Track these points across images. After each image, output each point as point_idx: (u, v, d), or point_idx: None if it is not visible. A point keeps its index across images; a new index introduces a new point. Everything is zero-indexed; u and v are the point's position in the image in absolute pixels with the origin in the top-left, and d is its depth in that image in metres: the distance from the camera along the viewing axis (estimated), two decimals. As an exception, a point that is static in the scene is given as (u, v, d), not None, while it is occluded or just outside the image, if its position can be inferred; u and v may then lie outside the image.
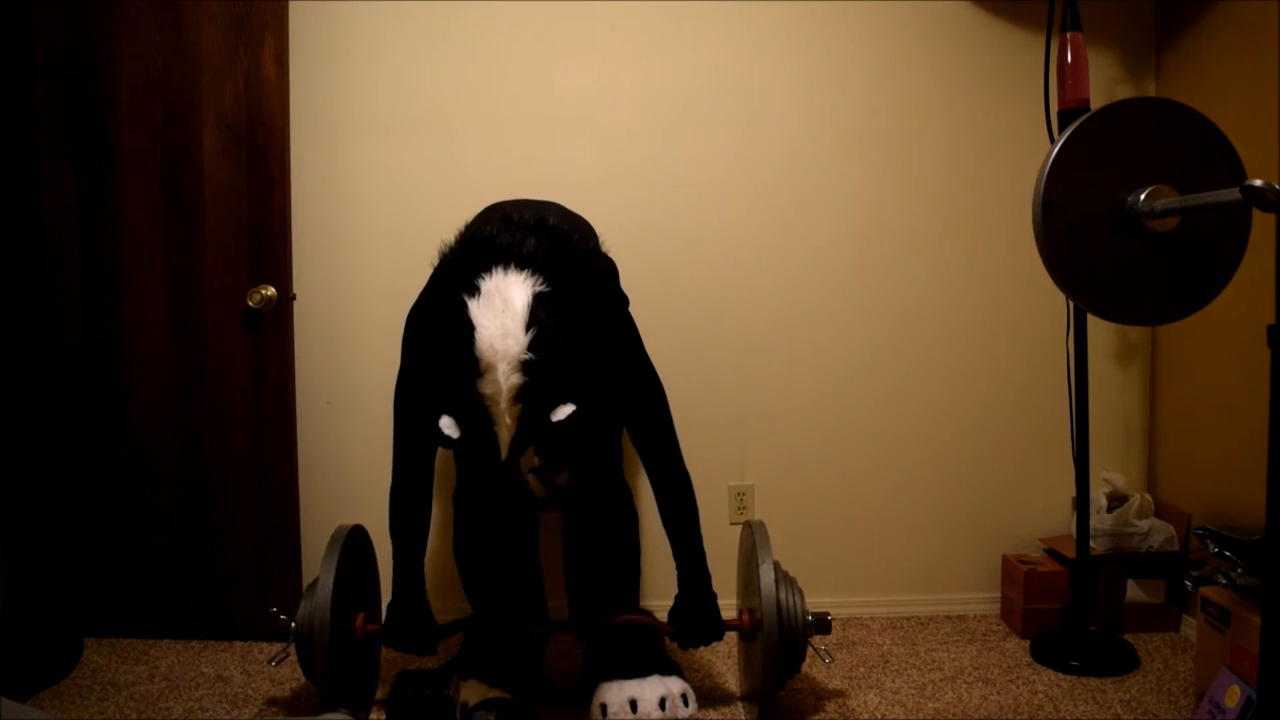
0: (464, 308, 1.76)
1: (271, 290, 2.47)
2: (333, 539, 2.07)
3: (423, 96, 2.67)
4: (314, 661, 1.96)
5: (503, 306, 1.73)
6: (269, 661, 2.24)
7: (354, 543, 2.13)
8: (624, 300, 2.07)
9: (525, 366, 1.70)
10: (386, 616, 2.06)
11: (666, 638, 2.13)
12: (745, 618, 2.09)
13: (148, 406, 2.54)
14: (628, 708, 1.99)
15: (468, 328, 1.73)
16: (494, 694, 2.03)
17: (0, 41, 2.44)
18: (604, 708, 2.01)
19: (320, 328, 2.68)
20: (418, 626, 2.05)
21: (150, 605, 2.56)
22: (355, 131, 2.65)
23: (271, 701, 2.19)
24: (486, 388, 1.72)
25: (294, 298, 2.54)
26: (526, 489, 2.41)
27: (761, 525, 2.11)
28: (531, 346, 1.71)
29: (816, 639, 2.07)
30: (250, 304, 2.46)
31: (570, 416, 1.72)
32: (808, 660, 2.12)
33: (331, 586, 1.96)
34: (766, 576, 1.98)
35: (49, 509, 2.53)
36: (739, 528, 2.32)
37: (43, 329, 2.52)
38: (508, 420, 1.73)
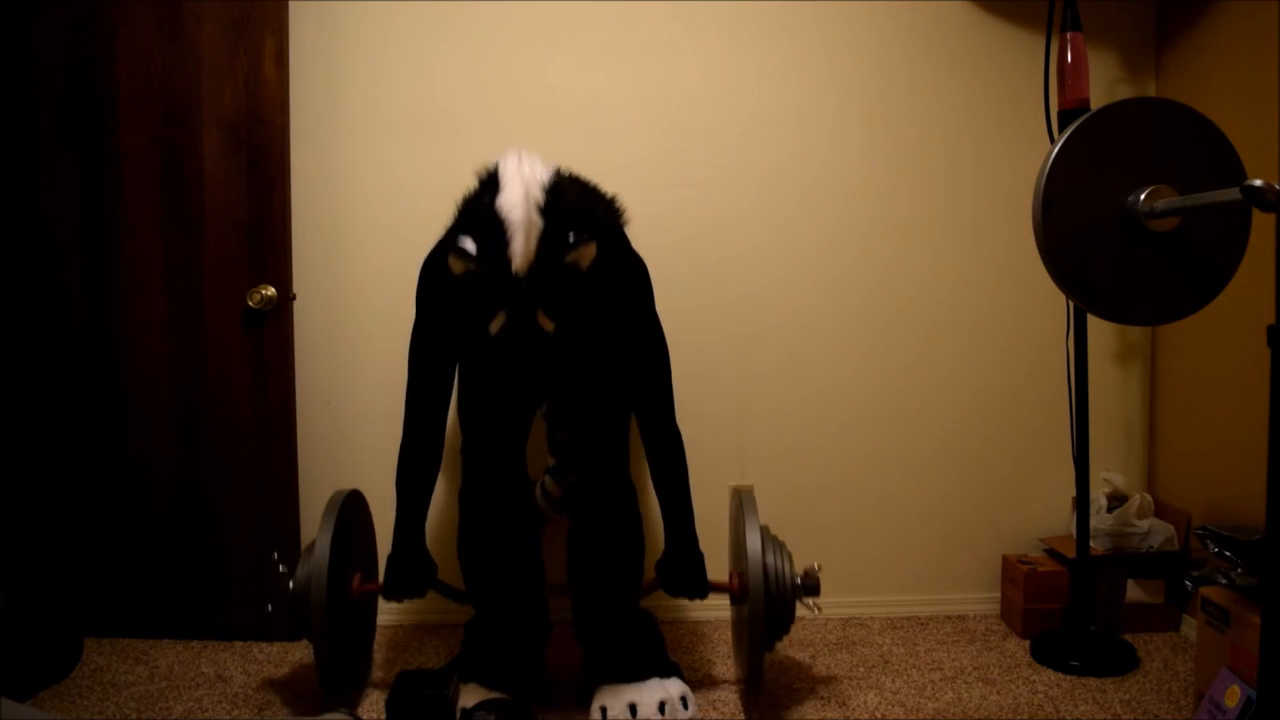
0: (492, 180, 1.86)
1: (271, 290, 2.47)
2: (330, 502, 2.11)
3: (423, 96, 2.66)
4: (310, 620, 1.99)
5: (526, 170, 1.85)
6: (267, 608, 2.24)
7: (351, 506, 2.15)
8: (643, 267, 2.11)
9: (545, 192, 1.82)
10: (386, 566, 2.10)
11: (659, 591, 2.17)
12: (734, 581, 2.10)
13: (148, 406, 2.53)
14: (627, 712, 2.00)
15: (492, 186, 1.84)
16: (494, 695, 2.03)
17: (0, 41, 2.44)
18: (604, 710, 2.01)
19: (320, 328, 2.68)
20: (415, 574, 2.09)
21: (150, 605, 2.56)
22: (355, 131, 2.65)
23: (271, 701, 2.19)
24: (503, 203, 1.79)
25: (294, 298, 2.54)
26: (538, 490, 2.41)
27: (750, 490, 2.14)
28: (549, 191, 1.83)
29: (807, 599, 2.09)
30: (250, 304, 2.46)
31: (580, 247, 1.82)
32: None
33: (329, 545, 1.97)
34: (753, 540, 1.99)
35: (49, 509, 2.53)
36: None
37: (43, 329, 2.52)
38: (522, 237, 1.77)
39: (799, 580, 2.05)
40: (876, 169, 2.69)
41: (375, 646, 2.51)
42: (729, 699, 2.18)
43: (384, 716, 1.95)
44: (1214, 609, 1.99)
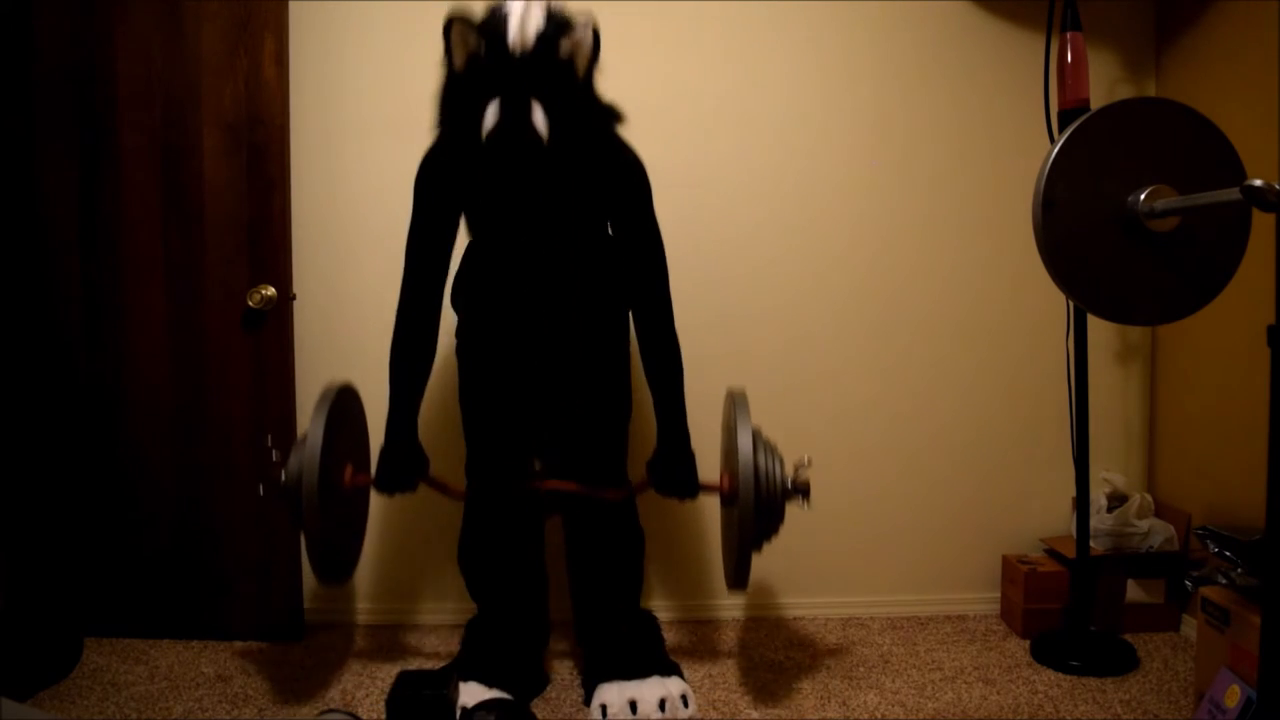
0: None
1: (271, 290, 2.47)
2: (323, 393, 2.05)
3: (424, 96, 2.64)
4: (302, 509, 1.96)
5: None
6: (259, 492, 2.21)
7: (344, 401, 2.12)
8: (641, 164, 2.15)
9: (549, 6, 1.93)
10: (378, 458, 2.09)
11: (654, 490, 2.14)
12: (725, 481, 2.08)
13: (147, 406, 2.53)
14: (627, 709, 2.00)
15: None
16: (494, 694, 2.03)
17: (0, 42, 2.44)
18: (604, 708, 2.01)
19: (320, 328, 2.68)
20: (408, 466, 2.08)
21: (150, 605, 2.56)
22: (355, 131, 2.65)
23: (272, 701, 2.19)
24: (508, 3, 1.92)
25: (294, 298, 2.54)
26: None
27: (743, 393, 2.10)
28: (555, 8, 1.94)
29: (798, 498, 2.04)
30: (250, 304, 2.46)
31: (574, 33, 1.93)
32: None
33: (321, 434, 1.95)
34: (744, 439, 1.96)
35: (49, 509, 2.53)
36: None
37: (42, 329, 2.52)
38: (519, 18, 1.89)
39: (790, 482, 2.01)
40: (883, 171, 2.69)
41: (375, 646, 2.52)
42: (730, 699, 2.18)
43: (384, 716, 1.95)
44: (1214, 609, 1.99)
